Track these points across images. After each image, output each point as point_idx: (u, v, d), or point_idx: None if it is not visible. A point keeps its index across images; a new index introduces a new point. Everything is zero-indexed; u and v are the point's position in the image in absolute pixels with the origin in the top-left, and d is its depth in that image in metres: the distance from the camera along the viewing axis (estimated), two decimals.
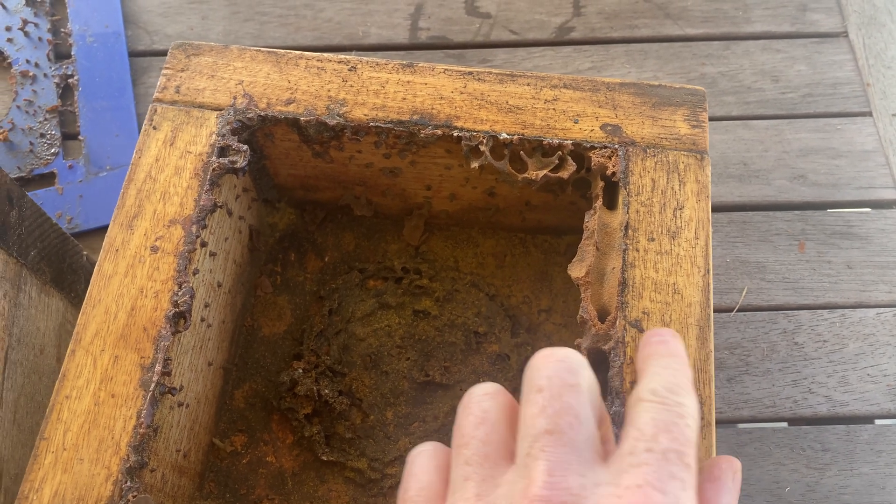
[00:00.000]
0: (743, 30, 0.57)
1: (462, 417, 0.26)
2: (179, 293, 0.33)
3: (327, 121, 0.37)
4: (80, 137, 0.52)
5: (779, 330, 0.47)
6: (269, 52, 0.38)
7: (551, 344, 0.42)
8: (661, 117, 0.36)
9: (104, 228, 0.49)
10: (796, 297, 0.48)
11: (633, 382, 0.31)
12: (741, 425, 0.45)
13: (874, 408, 0.45)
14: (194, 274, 0.34)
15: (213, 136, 0.36)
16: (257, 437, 0.40)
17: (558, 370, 0.24)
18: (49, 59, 0.55)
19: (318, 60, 0.38)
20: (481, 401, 0.26)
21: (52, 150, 0.52)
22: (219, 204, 0.35)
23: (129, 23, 0.57)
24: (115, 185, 0.51)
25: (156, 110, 0.37)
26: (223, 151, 0.36)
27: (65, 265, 0.42)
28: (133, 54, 0.56)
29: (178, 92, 0.37)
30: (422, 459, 0.26)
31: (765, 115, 0.54)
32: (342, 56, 0.38)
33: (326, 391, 0.39)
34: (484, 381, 0.40)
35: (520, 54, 0.56)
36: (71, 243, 0.43)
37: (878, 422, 0.45)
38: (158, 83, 0.38)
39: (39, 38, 0.56)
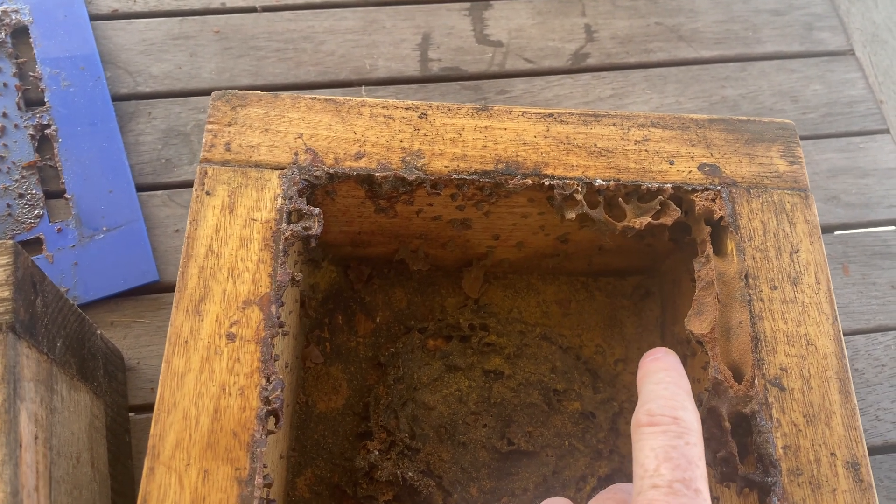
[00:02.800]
0: (755, 50, 0.56)
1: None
2: (269, 387, 0.28)
3: (406, 175, 0.33)
4: (66, 196, 0.46)
5: None
6: (327, 100, 0.34)
7: (633, 396, 0.39)
8: (758, 154, 0.35)
9: (108, 300, 0.44)
10: (849, 323, 0.47)
11: (785, 447, 0.29)
12: None
13: None
14: (275, 360, 0.29)
15: (279, 200, 0.32)
16: None
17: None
18: (19, 108, 0.49)
19: (383, 108, 0.34)
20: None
21: (35, 212, 0.46)
22: (296, 278, 0.31)
23: (107, 63, 0.51)
24: (115, 249, 0.45)
25: (206, 172, 0.32)
26: (291, 216, 0.32)
27: (86, 352, 0.36)
28: (116, 98, 0.50)
29: (228, 150, 0.33)
30: None
31: None
32: (409, 102, 0.34)
33: (411, 473, 0.35)
34: (571, 444, 0.37)
35: (538, 83, 0.54)
36: (87, 324, 0.37)
37: None
38: (204, 141, 0.33)
39: (4, 84, 0.49)
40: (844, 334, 0.47)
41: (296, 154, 0.33)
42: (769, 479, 0.28)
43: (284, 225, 0.31)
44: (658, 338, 0.41)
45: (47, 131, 0.48)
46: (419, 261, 0.40)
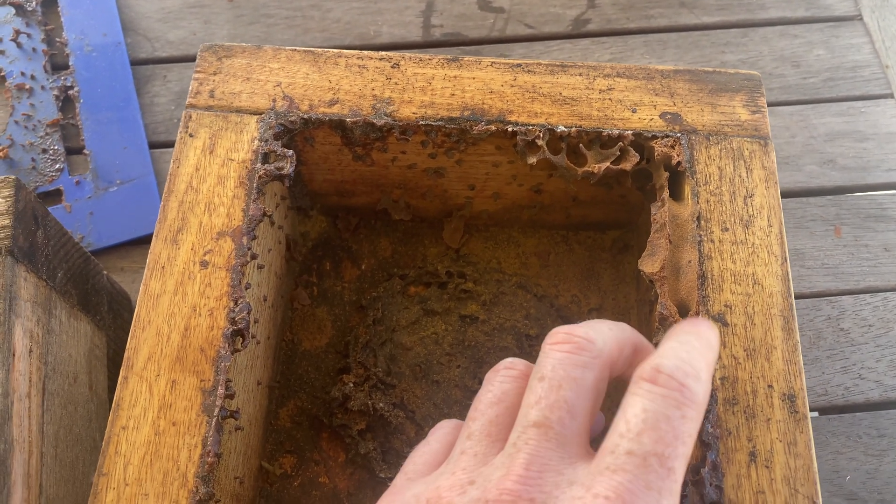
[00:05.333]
0: (758, 16, 0.56)
1: (482, 392, 0.26)
2: (236, 309, 0.31)
3: (375, 121, 0.35)
4: (85, 152, 0.50)
5: (823, 317, 0.46)
6: (305, 51, 0.36)
7: None
8: (720, 104, 0.35)
9: (119, 247, 0.47)
10: (837, 283, 0.47)
11: (723, 378, 0.30)
12: None
13: None
14: (247, 288, 0.32)
15: (256, 142, 0.34)
16: (307, 458, 0.38)
17: (564, 361, 0.24)
18: (46, 71, 0.52)
19: (358, 58, 0.36)
20: (503, 381, 0.26)
21: (57, 166, 0.49)
22: (267, 213, 0.33)
23: (127, 30, 0.55)
24: (127, 201, 0.48)
25: (190, 116, 0.35)
26: (267, 157, 0.34)
27: (88, 286, 0.39)
28: (134, 63, 0.54)
29: (212, 96, 0.35)
30: (442, 431, 0.28)
31: (788, 101, 0.53)
32: (383, 53, 0.36)
33: (381, 405, 0.37)
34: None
35: (537, 48, 0.55)
36: (92, 262, 0.40)
37: None
38: (191, 88, 0.35)
39: (34, 49, 0.53)
40: (832, 295, 0.47)
41: (274, 101, 0.35)
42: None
43: (259, 165, 0.33)
44: (634, 289, 0.42)
45: (70, 92, 0.52)
46: (401, 210, 0.41)
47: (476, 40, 0.55)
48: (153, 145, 0.51)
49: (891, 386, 0.44)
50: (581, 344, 0.24)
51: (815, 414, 0.44)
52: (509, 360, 0.27)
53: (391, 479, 0.37)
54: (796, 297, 0.47)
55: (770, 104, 0.53)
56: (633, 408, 0.22)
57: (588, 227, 0.43)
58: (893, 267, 0.48)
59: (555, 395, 0.23)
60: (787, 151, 0.51)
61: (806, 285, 0.47)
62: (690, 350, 0.23)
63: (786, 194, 0.50)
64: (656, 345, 0.31)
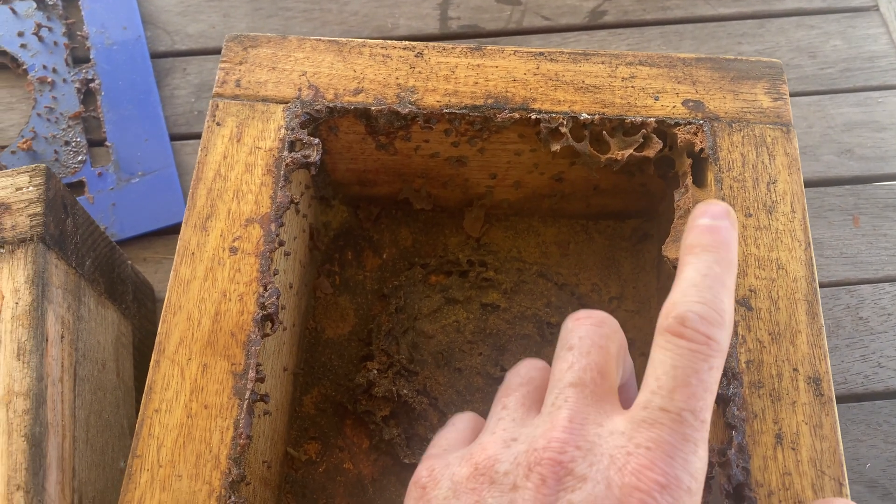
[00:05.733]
0: (775, 7, 0.56)
1: (510, 377, 0.28)
2: (265, 294, 0.31)
3: (399, 109, 0.35)
4: (106, 144, 0.50)
5: (842, 305, 0.46)
6: (330, 41, 0.37)
7: (625, 331, 0.41)
8: (742, 91, 0.36)
9: (141, 238, 0.47)
10: (856, 272, 0.47)
11: (748, 361, 0.30)
12: None
13: None
14: (274, 275, 0.32)
15: (282, 130, 0.34)
16: (331, 444, 0.38)
17: (590, 332, 0.25)
18: (67, 64, 0.53)
19: (382, 48, 0.36)
20: (530, 370, 0.28)
21: (79, 158, 0.50)
22: (294, 200, 0.33)
23: (147, 23, 0.55)
24: (149, 192, 0.49)
25: (217, 105, 0.35)
26: (293, 146, 0.34)
27: (114, 275, 0.40)
28: (154, 56, 0.54)
29: (238, 86, 0.36)
30: (464, 417, 0.29)
31: (806, 92, 0.53)
32: (406, 42, 0.37)
33: (405, 391, 0.38)
34: None
35: (554, 40, 0.55)
36: (118, 252, 0.41)
37: None
38: (217, 77, 0.36)
39: (55, 43, 0.53)
40: (851, 284, 0.47)
41: (299, 90, 0.35)
42: (730, 391, 0.29)
43: (286, 153, 0.34)
44: (654, 278, 0.42)
45: (91, 85, 0.52)
46: (422, 200, 0.42)
47: (493, 32, 0.55)
48: (174, 137, 0.51)
49: None
50: (602, 318, 0.26)
51: (846, 402, 0.44)
52: (531, 359, 0.29)
53: (415, 465, 0.37)
54: None
55: None
56: (663, 364, 0.22)
57: (608, 216, 0.43)
58: None
59: (585, 359, 0.24)
60: (804, 141, 0.51)
61: (825, 274, 0.47)
62: (713, 284, 0.23)
63: (804, 184, 0.50)
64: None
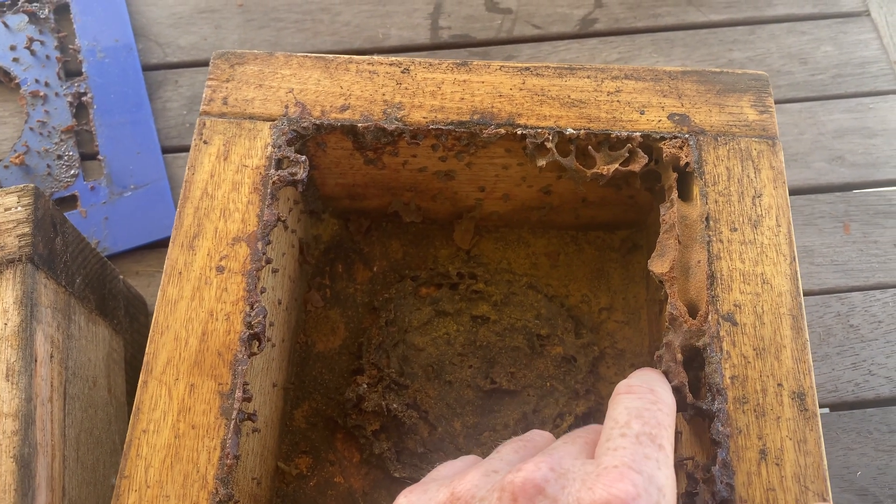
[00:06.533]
0: (766, 13, 0.57)
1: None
2: (252, 314, 0.31)
3: (386, 126, 0.35)
4: (99, 157, 0.50)
5: (833, 313, 0.46)
6: (317, 57, 0.37)
7: (615, 342, 0.41)
8: (728, 104, 0.36)
9: (134, 251, 0.48)
10: (847, 280, 0.47)
11: (733, 377, 0.30)
12: None
13: None
14: (262, 293, 0.32)
15: (269, 148, 0.34)
16: (322, 458, 0.39)
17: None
18: (59, 78, 0.53)
19: (369, 64, 0.37)
20: (534, 435, 0.29)
21: (72, 172, 0.50)
22: (282, 218, 0.33)
23: (139, 36, 0.55)
24: (142, 205, 0.49)
25: (205, 124, 0.35)
26: (280, 163, 0.34)
27: (105, 291, 0.40)
28: (146, 68, 0.54)
29: (225, 103, 0.36)
30: (470, 457, 0.29)
31: (796, 98, 0.53)
32: (393, 58, 0.37)
33: (395, 405, 0.38)
34: (552, 385, 0.39)
35: (545, 49, 0.55)
36: (109, 267, 0.41)
37: None
38: (204, 95, 0.36)
39: (47, 57, 0.54)
40: (841, 291, 0.47)
41: (286, 107, 0.36)
42: (715, 407, 0.29)
43: (273, 171, 0.34)
44: (644, 289, 0.42)
45: (84, 99, 0.52)
46: (412, 213, 0.42)
47: (484, 41, 0.56)
48: (166, 150, 0.51)
49: None
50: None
51: (826, 410, 0.45)
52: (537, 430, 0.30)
53: (406, 479, 0.37)
54: (805, 295, 0.47)
55: (778, 101, 0.53)
56: (616, 409, 0.26)
57: (597, 227, 0.43)
58: None
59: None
60: (795, 148, 0.51)
61: (815, 282, 0.47)
62: (649, 375, 0.28)
63: (795, 191, 0.50)
64: (664, 345, 0.32)
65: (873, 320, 0.46)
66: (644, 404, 0.26)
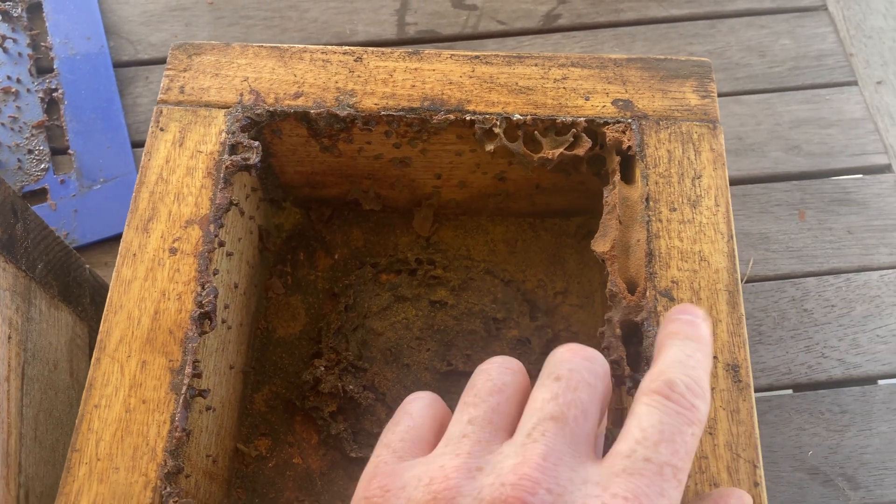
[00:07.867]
0: (726, 8, 0.58)
1: (480, 381, 0.26)
2: (203, 293, 0.32)
3: (338, 112, 0.36)
4: (69, 152, 0.51)
5: (787, 298, 0.47)
6: (272, 47, 0.38)
7: (570, 325, 0.42)
8: (671, 90, 0.37)
9: (102, 242, 0.48)
10: (801, 265, 0.49)
11: None
12: (758, 394, 0.46)
13: (886, 367, 0.45)
14: (214, 274, 0.33)
15: (223, 134, 0.35)
16: (281, 440, 0.39)
17: (581, 367, 0.24)
18: (31, 74, 0.54)
19: (322, 53, 0.38)
20: (503, 373, 0.26)
21: (42, 166, 0.51)
22: (234, 202, 0.34)
23: (110, 33, 0.56)
24: (111, 198, 0.50)
25: (161, 111, 0.36)
26: (234, 149, 0.35)
27: (70, 278, 0.41)
28: (117, 65, 0.55)
29: (182, 92, 0.37)
30: (420, 403, 0.27)
31: (755, 90, 0.54)
32: (347, 47, 0.38)
33: (351, 387, 0.39)
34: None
35: (509, 44, 0.56)
36: (74, 256, 0.42)
37: (891, 381, 0.45)
38: (162, 84, 0.37)
39: (19, 54, 0.54)
40: (796, 277, 0.48)
41: (241, 95, 0.37)
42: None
43: (226, 156, 0.35)
44: (598, 273, 0.43)
45: (55, 95, 0.53)
46: (371, 200, 0.43)
47: (450, 37, 0.57)
48: (135, 144, 0.52)
49: (853, 364, 0.45)
50: (595, 355, 0.25)
51: (790, 391, 0.45)
52: (503, 356, 0.27)
53: (362, 459, 0.38)
54: (761, 280, 0.48)
55: (736, 93, 0.54)
56: (650, 418, 0.22)
57: (553, 214, 0.44)
58: (856, 249, 0.49)
59: (571, 394, 0.23)
60: (753, 138, 0.53)
61: (771, 268, 0.48)
62: (696, 365, 0.24)
63: (752, 180, 0.51)
64: (605, 321, 0.33)
65: (826, 304, 0.47)
66: (681, 424, 0.22)
